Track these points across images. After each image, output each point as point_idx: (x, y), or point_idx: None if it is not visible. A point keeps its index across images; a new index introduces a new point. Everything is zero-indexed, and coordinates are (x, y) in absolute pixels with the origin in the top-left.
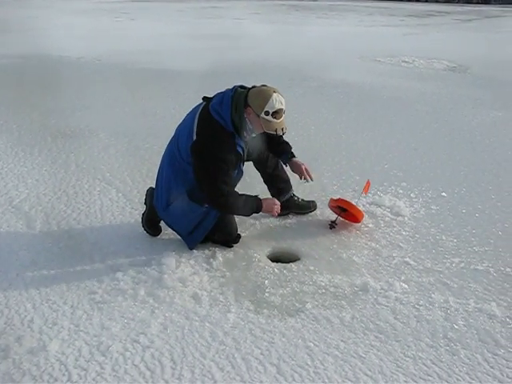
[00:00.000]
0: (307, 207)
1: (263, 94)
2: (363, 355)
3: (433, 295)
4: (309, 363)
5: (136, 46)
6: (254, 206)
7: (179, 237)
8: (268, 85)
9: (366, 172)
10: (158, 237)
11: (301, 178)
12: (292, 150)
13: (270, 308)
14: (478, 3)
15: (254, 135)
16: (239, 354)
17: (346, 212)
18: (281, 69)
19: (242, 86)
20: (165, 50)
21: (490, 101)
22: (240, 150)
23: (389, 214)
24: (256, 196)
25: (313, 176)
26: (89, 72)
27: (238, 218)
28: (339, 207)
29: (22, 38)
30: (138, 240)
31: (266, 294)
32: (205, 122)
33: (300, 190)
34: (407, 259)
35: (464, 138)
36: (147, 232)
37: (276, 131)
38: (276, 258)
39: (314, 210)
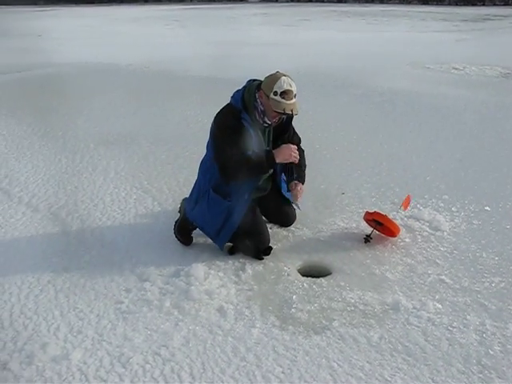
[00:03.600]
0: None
1: (273, 76)
2: (389, 378)
3: (468, 317)
4: None
5: (183, 53)
6: (263, 160)
7: (210, 247)
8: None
9: (406, 184)
10: (190, 246)
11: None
12: (302, 175)
13: (295, 324)
14: None
15: (268, 122)
16: (260, 371)
17: (381, 226)
18: (326, 76)
19: (256, 80)
20: (214, 57)
21: None
22: (245, 124)
23: (427, 229)
24: (266, 150)
25: (300, 204)
26: (136, 79)
27: (271, 230)
28: (375, 221)
29: (75, 48)
30: (169, 249)
31: (293, 310)
32: (221, 108)
33: (337, 201)
34: (443, 277)
35: None
36: (179, 240)
37: (284, 110)
38: (307, 272)
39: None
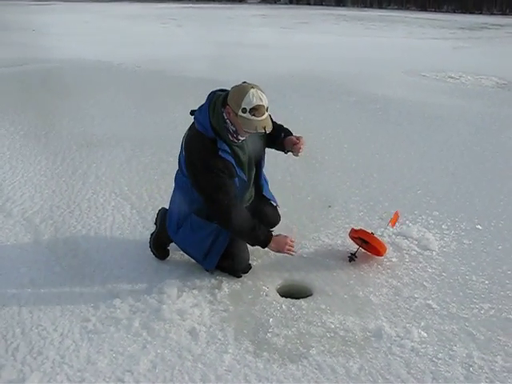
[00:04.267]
0: None
1: (240, 90)
2: None
3: (454, 347)
4: None
5: (178, 53)
6: (260, 236)
7: (186, 262)
8: (252, 87)
9: (396, 198)
10: (165, 260)
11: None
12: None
13: (270, 351)
14: None
15: (242, 137)
16: None
17: (367, 244)
18: (321, 81)
19: (221, 90)
20: (207, 58)
21: None
22: (225, 156)
23: (415, 248)
24: (268, 229)
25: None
26: (126, 79)
27: (251, 247)
28: (360, 238)
29: (68, 44)
30: (143, 263)
31: (269, 335)
32: (188, 134)
33: (323, 214)
34: (430, 302)
35: (508, 164)
36: (154, 254)
37: (256, 129)
38: (286, 292)
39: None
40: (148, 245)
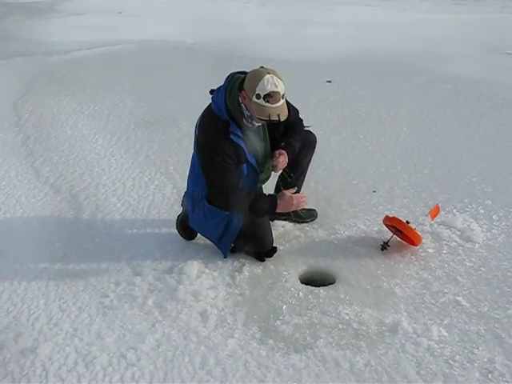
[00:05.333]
0: (306, 216)
1: (255, 75)
2: None
3: (476, 350)
4: None
5: (254, 32)
6: (265, 205)
7: (212, 244)
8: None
9: (447, 185)
10: (192, 242)
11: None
12: (291, 142)
13: (277, 338)
14: None
15: (257, 124)
16: None
17: (402, 232)
18: (391, 61)
19: (240, 72)
20: (281, 38)
21: None
22: (236, 140)
23: (457, 239)
24: (270, 194)
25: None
26: (196, 59)
27: (276, 231)
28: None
29: (148, 24)
30: (171, 243)
31: (278, 322)
32: (203, 114)
33: (365, 199)
34: (460, 298)
35: None
36: (180, 235)
37: (270, 116)
38: (308, 279)
39: (314, 219)
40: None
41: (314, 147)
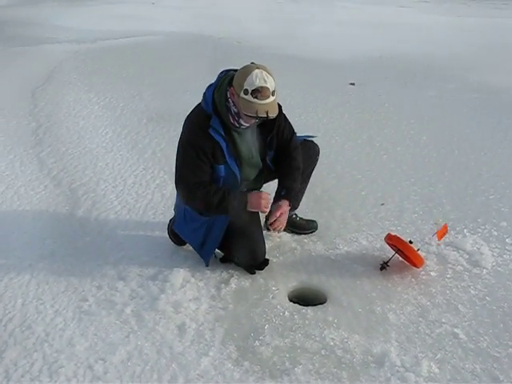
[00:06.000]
0: (304, 228)
1: (244, 70)
2: None
3: None
4: None
5: (281, 29)
6: (234, 203)
7: None
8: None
9: (462, 201)
10: (183, 248)
11: (266, 223)
12: (294, 186)
13: (253, 361)
14: None
15: (245, 124)
16: None
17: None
18: (417, 65)
19: (235, 70)
20: (315, 36)
21: None
22: (215, 136)
23: (464, 263)
24: (240, 191)
25: (278, 230)
26: (219, 53)
27: (271, 242)
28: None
29: (178, 16)
30: (161, 247)
31: (257, 343)
32: (192, 109)
33: (372, 212)
34: (458, 330)
35: None
36: (171, 240)
37: (257, 113)
38: (298, 297)
39: (313, 231)
40: None
41: (317, 160)
